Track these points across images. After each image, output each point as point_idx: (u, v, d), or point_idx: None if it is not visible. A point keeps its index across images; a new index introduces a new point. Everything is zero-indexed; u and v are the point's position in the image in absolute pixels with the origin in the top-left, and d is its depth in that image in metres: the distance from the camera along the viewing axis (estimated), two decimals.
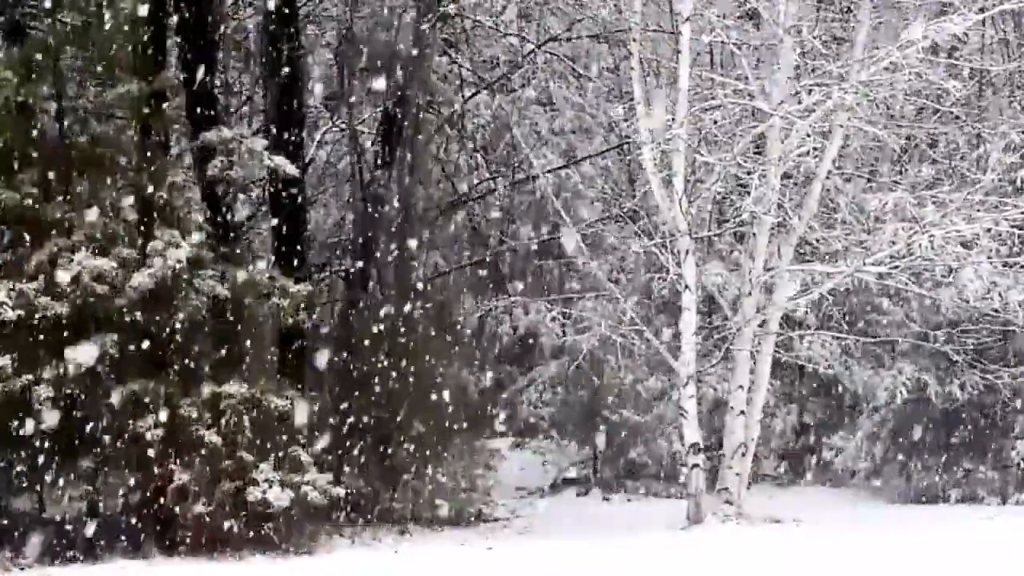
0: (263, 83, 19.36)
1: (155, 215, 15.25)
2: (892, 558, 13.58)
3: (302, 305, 16.19)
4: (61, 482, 14.48)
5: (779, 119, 16.86)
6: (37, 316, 14.38)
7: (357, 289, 19.80)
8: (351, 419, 17.80)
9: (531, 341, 24.09)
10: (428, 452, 18.37)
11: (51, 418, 14.29)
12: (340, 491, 15.69)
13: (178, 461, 14.70)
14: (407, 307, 18.64)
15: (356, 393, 18.02)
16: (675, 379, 17.74)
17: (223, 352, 15.41)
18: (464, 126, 24.08)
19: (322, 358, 18.16)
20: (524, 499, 21.56)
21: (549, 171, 22.40)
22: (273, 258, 18.17)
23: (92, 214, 14.98)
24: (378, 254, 19.67)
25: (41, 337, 14.53)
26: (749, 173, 16.95)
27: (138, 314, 14.81)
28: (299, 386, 16.84)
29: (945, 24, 16.40)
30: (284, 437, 15.38)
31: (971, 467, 20.49)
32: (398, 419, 18.12)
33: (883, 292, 20.84)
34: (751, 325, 17.30)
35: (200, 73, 17.37)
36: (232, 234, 16.57)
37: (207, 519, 14.61)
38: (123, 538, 14.63)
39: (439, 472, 18.60)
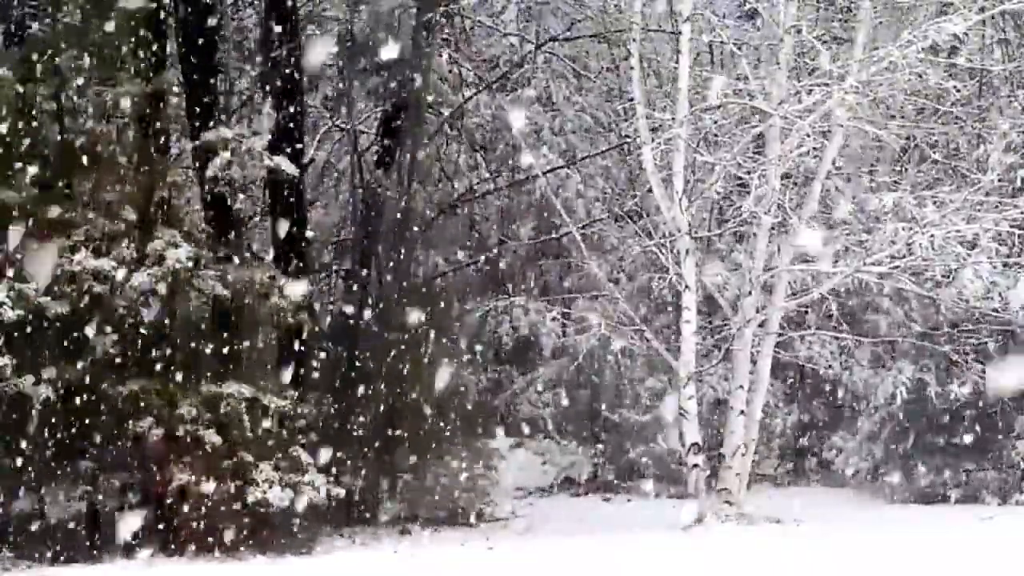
0: (263, 83, 19.34)
1: (155, 215, 15.24)
2: (892, 558, 13.58)
3: (302, 305, 16.18)
4: (61, 482, 14.47)
5: (779, 119, 16.87)
6: (37, 316, 14.37)
7: (357, 289, 19.80)
8: (351, 419, 17.80)
9: (532, 340, 24.08)
10: (428, 452, 18.37)
11: (51, 418, 14.29)
12: (340, 491, 15.68)
13: (178, 461, 14.69)
14: (407, 307, 18.64)
15: (356, 393, 18.03)
16: (675, 379, 17.74)
17: (223, 352, 15.41)
18: (464, 126, 24.09)
19: (322, 358, 18.16)
20: (524, 499, 21.58)
21: (549, 171, 22.41)
22: (273, 258, 18.16)
23: (92, 214, 14.98)
24: (378, 254, 19.66)
25: (41, 337, 14.52)
26: (749, 173, 16.96)
27: (138, 314, 14.82)
28: (299, 386, 16.83)
29: (945, 24, 16.40)
30: (284, 437, 15.38)
31: (971, 467, 20.49)
32: (398, 419, 18.12)
33: (883, 292, 20.84)
34: (751, 325, 17.30)
35: (200, 73, 17.36)
36: (232, 234, 16.54)
37: (207, 519, 14.60)
38: (123, 538, 14.63)
39: (439, 472, 18.60)
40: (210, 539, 14.60)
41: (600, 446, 22.88)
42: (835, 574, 13.01)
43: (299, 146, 18.69)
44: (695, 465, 16.94)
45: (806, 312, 20.62)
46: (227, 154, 15.99)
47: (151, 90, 15.50)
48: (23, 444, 14.34)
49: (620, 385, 22.49)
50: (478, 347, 22.23)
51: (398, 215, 19.77)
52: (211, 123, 16.80)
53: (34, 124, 15.22)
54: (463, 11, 22.97)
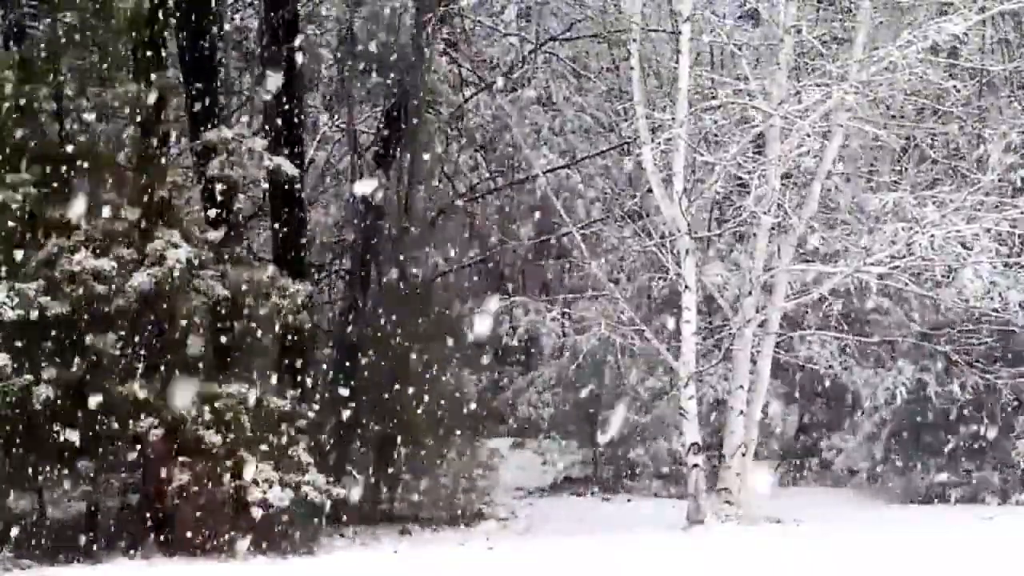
0: (263, 83, 19.33)
1: (155, 215, 15.24)
2: (892, 558, 13.58)
3: (302, 305, 16.18)
4: (61, 482, 14.47)
5: (779, 119, 16.87)
6: (37, 316, 14.37)
7: (357, 289, 19.80)
8: (351, 419, 17.80)
9: (532, 340, 24.07)
10: (428, 452, 18.37)
11: (51, 418, 14.29)
12: (340, 491, 15.69)
13: (178, 461, 14.68)
14: (407, 307, 18.64)
15: (356, 393, 18.02)
16: (675, 379, 17.74)
17: (223, 352, 15.40)
18: (464, 126, 24.09)
19: (322, 358, 18.15)
20: (524, 499, 21.57)
21: (549, 171, 22.40)
22: (273, 258, 18.16)
23: (92, 214, 14.98)
24: (378, 254, 19.66)
25: (41, 337, 14.52)
26: (749, 173, 16.95)
27: (138, 314, 14.82)
28: (299, 386, 16.83)
29: (945, 24, 16.40)
30: (284, 437, 15.38)
31: (971, 467, 20.48)
32: (398, 419, 18.12)
33: (883, 292, 20.84)
34: (751, 325, 17.30)
35: (200, 73, 17.36)
36: (232, 234, 16.54)
37: (207, 519, 14.60)
38: (123, 538, 14.62)
39: (439, 472, 18.59)
40: (210, 539, 14.59)
41: (600, 446, 22.87)
42: (835, 574, 13.02)
43: (299, 146, 18.69)
44: (695, 465, 16.93)
45: (806, 312, 20.61)
46: (227, 154, 16.00)
47: (151, 90, 15.50)
48: (23, 444, 14.34)
49: (620, 385, 22.48)
50: (478, 347, 22.21)
51: (398, 215, 19.77)
52: (211, 123, 16.79)
53: (34, 124, 15.21)
54: (463, 11, 22.96)
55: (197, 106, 17.14)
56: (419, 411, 18.20)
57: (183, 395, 14.75)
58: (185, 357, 15.08)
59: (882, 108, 18.46)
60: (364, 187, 19.39)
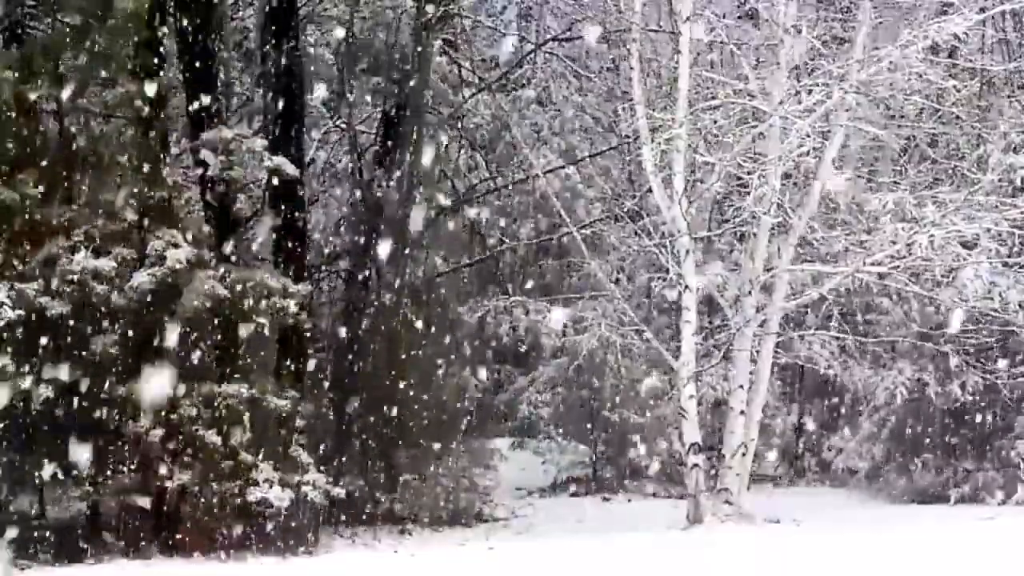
0: (263, 83, 19.33)
1: (155, 215, 15.24)
2: (892, 558, 13.58)
3: (302, 305, 16.18)
4: (61, 482, 14.47)
5: (779, 119, 16.86)
6: (37, 316, 14.36)
7: (357, 289, 19.80)
8: (351, 419, 17.80)
9: (532, 340, 24.08)
10: (428, 452, 18.37)
11: (51, 418, 14.28)
12: (340, 491, 15.69)
13: (178, 461, 14.68)
14: (407, 307, 18.64)
15: (356, 393, 18.03)
16: (675, 379, 17.74)
17: (223, 352, 15.40)
18: (464, 126, 24.10)
19: (322, 358, 18.16)
20: (524, 499, 21.58)
21: (549, 171, 22.41)
22: (273, 258, 18.15)
23: (92, 214, 14.97)
24: (378, 254, 19.66)
25: (41, 337, 14.52)
26: (749, 173, 16.95)
27: (138, 314, 14.82)
28: (299, 386, 16.82)
29: (945, 24, 16.41)
30: (284, 437, 15.37)
31: (971, 467, 20.49)
32: (398, 419, 18.12)
33: (883, 292, 20.84)
34: (751, 325, 17.29)
35: (200, 73, 17.35)
36: (232, 234, 16.54)
37: (207, 519, 14.60)
38: (123, 538, 14.62)
39: (439, 472, 18.60)
40: (210, 539, 14.59)
41: (600, 446, 22.88)
42: (835, 574, 13.01)
43: (299, 146, 18.69)
44: (695, 465, 16.93)
45: (806, 312, 20.62)
46: (227, 154, 16.00)
47: (151, 90, 15.48)
48: (23, 444, 14.34)
49: (620, 385, 22.49)
50: (478, 347, 22.22)
51: (398, 215, 19.77)
52: (211, 123, 16.78)
53: (34, 124, 15.20)
54: (463, 11, 22.96)
55: (197, 106, 17.14)
56: (419, 411, 18.21)
57: (182, 394, 14.74)
58: (185, 357, 15.07)
59: (882, 108, 18.45)
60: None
